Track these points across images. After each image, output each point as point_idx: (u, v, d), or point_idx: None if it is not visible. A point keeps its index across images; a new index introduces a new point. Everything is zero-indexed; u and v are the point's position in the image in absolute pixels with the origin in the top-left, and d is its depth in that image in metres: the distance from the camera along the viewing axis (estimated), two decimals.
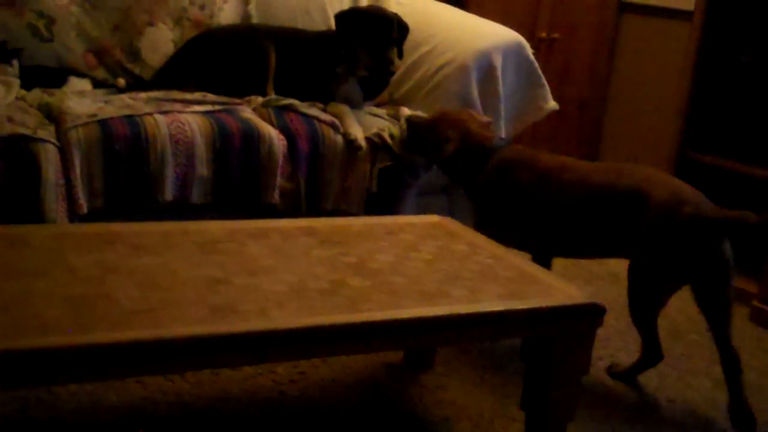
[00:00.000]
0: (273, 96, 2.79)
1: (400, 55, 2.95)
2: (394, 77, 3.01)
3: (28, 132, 2.26)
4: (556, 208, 2.37)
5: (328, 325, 1.62)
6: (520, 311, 1.80)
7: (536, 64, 3.14)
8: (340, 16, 2.94)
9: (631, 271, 2.30)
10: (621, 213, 2.26)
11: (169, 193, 2.42)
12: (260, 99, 2.76)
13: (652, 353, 2.43)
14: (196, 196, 2.48)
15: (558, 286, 1.92)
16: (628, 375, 2.48)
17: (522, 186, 2.41)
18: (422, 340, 1.84)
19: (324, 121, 2.68)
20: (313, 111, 2.73)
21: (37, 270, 1.66)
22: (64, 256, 1.74)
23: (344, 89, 2.89)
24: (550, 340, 1.86)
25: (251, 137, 2.53)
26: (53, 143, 2.28)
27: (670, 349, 2.62)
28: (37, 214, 2.24)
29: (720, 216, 2.19)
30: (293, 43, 2.97)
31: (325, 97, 2.85)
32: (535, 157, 2.45)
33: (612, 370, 2.51)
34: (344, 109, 2.79)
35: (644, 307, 2.34)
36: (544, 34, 4.14)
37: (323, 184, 2.66)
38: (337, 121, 2.71)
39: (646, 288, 2.30)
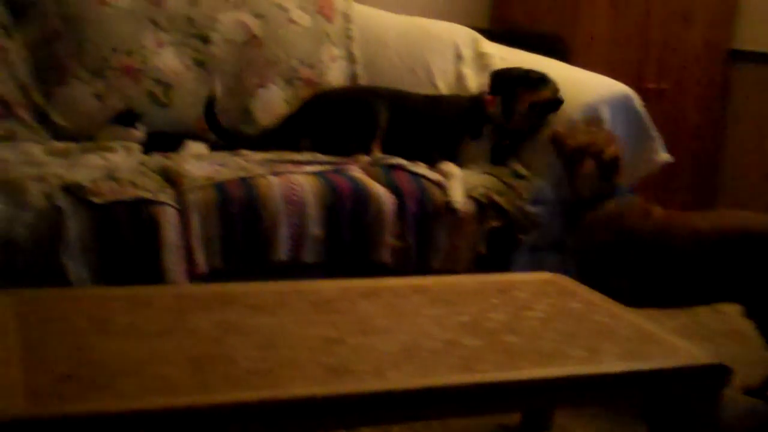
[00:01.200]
0: (380, 155, 2.83)
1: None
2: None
3: (149, 195, 2.35)
4: (669, 258, 2.38)
5: (442, 386, 1.61)
6: (641, 372, 1.75)
7: (646, 116, 3.09)
8: (498, 72, 3.01)
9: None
10: (731, 257, 2.29)
11: (282, 253, 2.47)
12: (367, 158, 2.80)
13: None
14: (308, 255, 2.52)
15: (680, 345, 1.86)
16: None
17: (635, 234, 2.43)
18: (539, 401, 1.81)
19: (431, 180, 2.70)
20: (421, 169, 2.75)
21: (160, 330, 1.71)
22: (184, 316, 1.79)
23: (470, 153, 2.91)
24: (673, 401, 1.80)
25: (361, 196, 2.56)
26: (173, 206, 2.36)
27: None
28: (157, 275, 2.32)
29: None
30: (412, 105, 3.02)
31: (448, 159, 2.86)
32: (647, 209, 2.49)
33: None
34: (452, 169, 2.80)
35: None
36: (652, 85, 4.07)
37: (432, 243, 2.67)
38: (444, 181, 2.71)
39: None
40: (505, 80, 2.97)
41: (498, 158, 2.96)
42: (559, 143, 2.67)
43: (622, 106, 3.03)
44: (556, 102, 2.90)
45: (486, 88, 3.04)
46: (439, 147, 2.91)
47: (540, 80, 2.93)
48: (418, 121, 2.97)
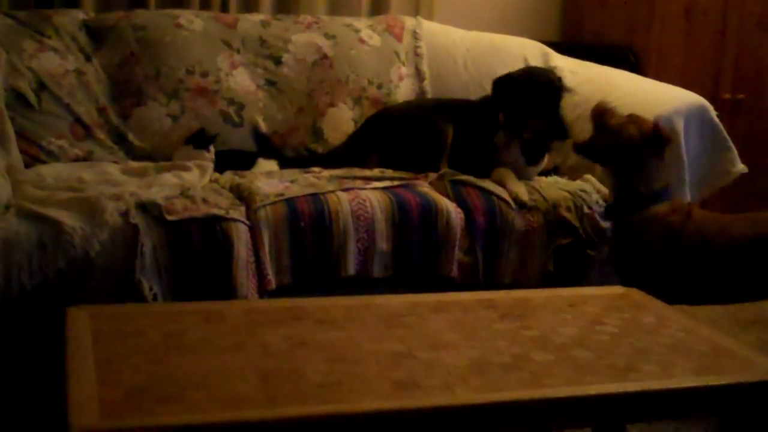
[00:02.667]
0: (447, 170, 2.83)
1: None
2: (567, 145, 2.98)
3: (221, 212, 2.40)
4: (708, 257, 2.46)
5: (511, 401, 1.59)
6: (715, 387, 1.70)
7: (721, 127, 3.03)
8: (499, 83, 2.92)
9: None
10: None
11: (351, 267, 2.49)
12: (435, 175, 2.80)
13: None
14: (377, 270, 2.54)
15: (756, 360, 1.80)
16: None
17: (680, 235, 2.48)
18: (610, 417, 1.77)
19: (499, 195, 2.68)
20: (489, 185, 2.74)
21: (231, 345, 1.73)
22: (255, 330, 1.81)
23: (506, 156, 2.88)
24: (748, 417, 1.75)
25: (429, 211, 2.57)
26: (244, 222, 2.41)
27: None
28: (228, 290, 2.36)
29: None
30: (463, 115, 3.01)
31: (486, 165, 2.85)
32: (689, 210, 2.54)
33: None
34: (506, 171, 2.79)
35: None
36: (728, 95, 3.98)
37: (501, 259, 2.66)
38: (506, 194, 2.70)
39: None
40: (508, 98, 2.85)
41: (532, 156, 2.92)
42: (600, 118, 2.62)
43: (696, 117, 2.98)
44: (558, 135, 2.80)
45: None
46: (481, 153, 2.89)
47: (541, 103, 2.79)
48: (467, 130, 2.96)
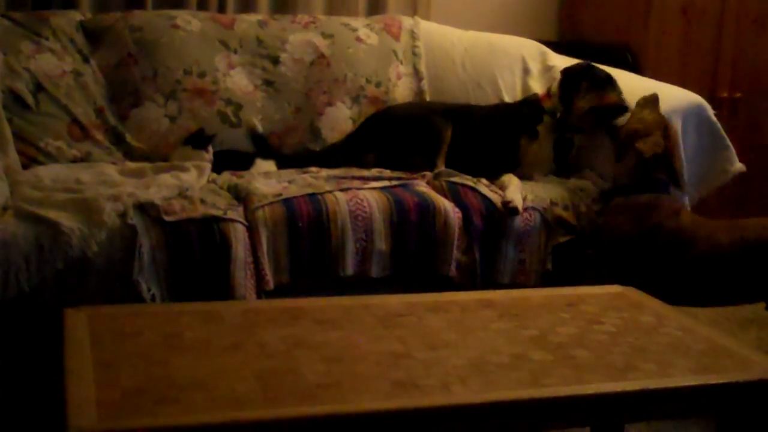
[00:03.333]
0: (444, 169, 2.83)
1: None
2: (576, 146, 3.01)
3: (219, 213, 2.40)
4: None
5: (510, 401, 1.59)
6: (714, 386, 1.70)
7: (719, 126, 3.02)
8: (565, 73, 3.02)
9: None
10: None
11: (349, 268, 2.49)
12: (431, 174, 2.81)
13: None
14: (375, 270, 2.54)
15: (754, 359, 1.81)
16: None
17: (658, 231, 2.53)
18: (608, 416, 1.78)
19: (493, 198, 2.69)
20: (483, 188, 2.73)
21: (230, 345, 1.73)
22: (253, 331, 1.82)
23: (531, 155, 2.93)
24: (746, 416, 1.75)
25: (427, 210, 2.57)
26: (242, 222, 2.41)
27: None
28: (226, 290, 2.36)
29: None
30: (473, 117, 3.03)
31: (510, 166, 2.88)
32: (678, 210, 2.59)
33: None
34: (511, 179, 2.79)
35: None
36: (725, 94, 3.98)
37: (499, 258, 2.66)
38: (504, 185, 2.72)
39: None
40: (572, 74, 2.97)
41: (561, 156, 2.94)
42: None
43: (694, 116, 2.98)
44: (620, 108, 2.87)
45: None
46: (500, 155, 2.90)
47: (605, 81, 2.93)
48: (478, 132, 2.97)
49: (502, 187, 2.74)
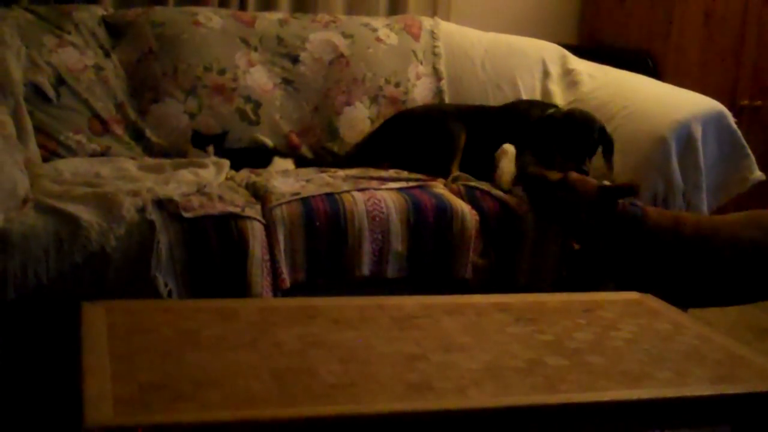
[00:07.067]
0: (459, 174, 2.83)
1: (610, 167, 2.83)
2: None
3: (236, 210, 2.40)
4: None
5: (524, 406, 1.59)
6: (731, 396, 1.69)
7: (739, 133, 3.01)
8: (540, 120, 2.88)
9: None
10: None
11: (366, 268, 2.49)
12: (444, 180, 2.81)
13: None
14: (391, 271, 2.54)
15: None
16: None
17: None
18: (623, 424, 1.76)
19: (508, 202, 2.69)
20: (499, 193, 2.72)
21: (246, 343, 1.74)
22: (269, 329, 1.82)
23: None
24: (763, 426, 1.74)
25: (444, 212, 2.57)
26: (259, 220, 2.41)
27: None
28: (243, 288, 2.36)
29: None
30: (483, 120, 3.02)
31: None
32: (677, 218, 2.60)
33: None
34: (507, 148, 2.82)
35: None
36: (746, 102, 3.96)
37: (515, 261, 2.65)
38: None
39: None
40: (544, 135, 2.82)
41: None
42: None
43: (714, 123, 2.96)
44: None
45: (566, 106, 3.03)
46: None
47: (578, 149, 2.75)
48: (490, 136, 2.96)
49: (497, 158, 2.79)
